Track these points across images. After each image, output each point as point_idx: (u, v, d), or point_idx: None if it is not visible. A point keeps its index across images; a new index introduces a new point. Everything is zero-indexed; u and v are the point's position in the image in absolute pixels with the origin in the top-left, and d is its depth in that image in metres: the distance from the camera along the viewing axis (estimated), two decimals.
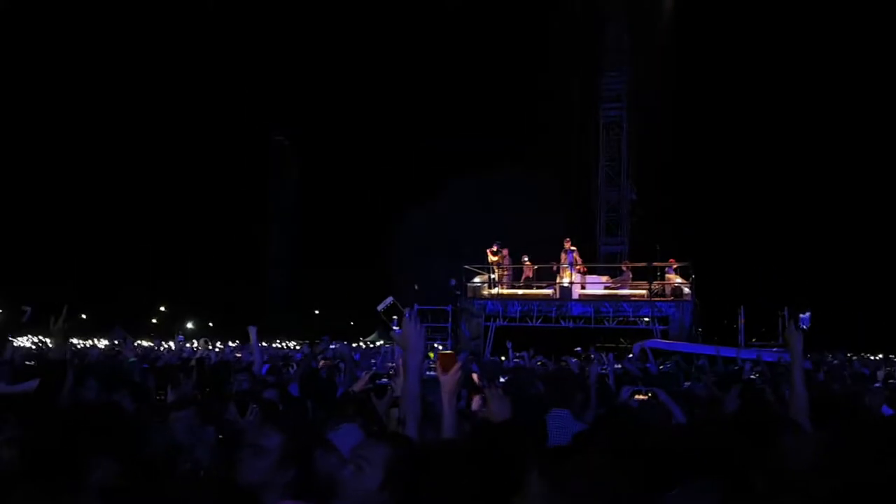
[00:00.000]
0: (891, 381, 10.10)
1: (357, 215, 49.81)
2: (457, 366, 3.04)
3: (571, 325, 21.45)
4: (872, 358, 23.27)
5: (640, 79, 30.93)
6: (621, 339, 23.46)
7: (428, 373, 4.90)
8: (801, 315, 18.12)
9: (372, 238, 44.73)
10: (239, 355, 13.84)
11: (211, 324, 49.86)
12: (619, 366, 10.07)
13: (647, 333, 20.42)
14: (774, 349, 16.58)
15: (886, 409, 6.52)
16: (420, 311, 21.93)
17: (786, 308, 18.17)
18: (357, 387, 5.23)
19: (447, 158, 40.74)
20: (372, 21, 44.25)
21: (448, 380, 2.96)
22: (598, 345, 19.08)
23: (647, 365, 11.20)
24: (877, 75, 37.68)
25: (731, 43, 36.77)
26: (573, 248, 21.97)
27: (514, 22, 36.13)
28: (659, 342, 19.01)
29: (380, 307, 14.16)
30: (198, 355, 10.97)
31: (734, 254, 36.70)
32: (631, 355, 16.36)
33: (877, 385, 7.68)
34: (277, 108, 49.97)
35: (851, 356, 20.04)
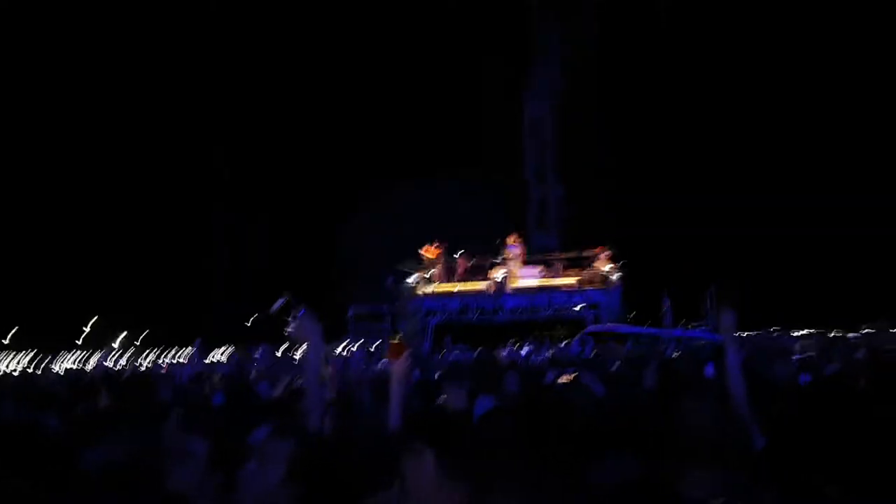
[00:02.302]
0: (808, 354, 10.71)
1: (294, 223, 48.79)
2: (405, 353, 3.12)
3: (508, 317, 21.82)
4: (794, 334, 24.48)
5: (567, 74, 31.59)
6: (557, 328, 23.96)
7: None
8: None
9: (311, 242, 43.95)
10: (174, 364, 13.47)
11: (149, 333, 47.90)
12: (551, 352, 10.34)
13: (579, 321, 20.93)
14: (699, 329, 17.31)
15: (804, 377, 6.96)
16: (357, 314, 21.88)
17: (711, 289, 18.99)
18: (277, 391, 5.22)
19: (380, 160, 40.56)
20: (299, 17, 43.48)
21: (397, 368, 3.04)
22: (535, 333, 19.46)
23: (585, 349, 11.54)
24: (802, 52, 39.50)
25: (655, 35, 37.83)
26: (518, 241, 22.45)
27: (442, 16, 36.21)
28: (603, 326, 19.54)
29: (273, 308, 14.06)
30: (117, 368, 10.62)
31: (661, 240, 37.91)
32: (567, 342, 16.76)
33: (795, 357, 8.11)
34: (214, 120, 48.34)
35: (774, 331, 21.12)
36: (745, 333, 17.31)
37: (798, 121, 40.01)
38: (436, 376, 5.97)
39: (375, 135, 41.68)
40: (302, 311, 3.36)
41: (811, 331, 20.18)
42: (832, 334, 17.77)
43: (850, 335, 15.78)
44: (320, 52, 43.79)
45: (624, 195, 34.28)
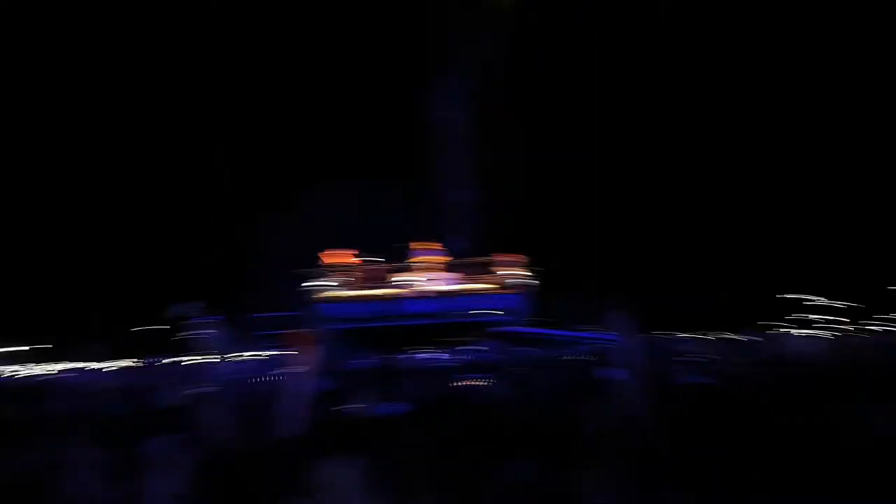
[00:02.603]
0: (696, 356, 11.27)
1: (197, 228, 46.66)
2: (312, 344, 2.99)
3: (415, 322, 21.73)
4: (682, 336, 25.73)
5: (480, 79, 31.89)
6: (465, 333, 24.09)
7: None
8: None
9: (213, 248, 42.13)
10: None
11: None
12: (459, 356, 10.34)
13: (487, 325, 21.12)
14: (598, 332, 17.82)
15: (696, 377, 7.27)
16: (259, 319, 21.16)
17: (613, 292, 19.55)
18: (176, 400, 4.97)
19: (290, 166, 39.52)
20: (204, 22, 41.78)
21: (305, 358, 2.93)
22: (442, 339, 19.49)
23: (493, 352, 11.63)
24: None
25: (565, 39, 38.72)
26: (423, 247, 22.41)
27: (357, 24, 35.79)
28: (511, 328, 19.77)
29: (176, 312, 13.60)
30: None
31: (567, 246, 38.91)
32: (474, 347, 16.86)
33: (682, 359, 8.46)
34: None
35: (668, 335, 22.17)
36: (643, 336, 17.94)
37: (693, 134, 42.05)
38: (338, 384, 5.81)
39: (281, 141, 40.65)
40: (207, 319, 3.18)
41: (705, 334, 21.24)
42: (724, 337, 18.72)
43: (742, 338, 16.76)
44: (232, 54, 42.29)
45: (535, 200, 34.94)
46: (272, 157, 40.56)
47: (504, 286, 22.19)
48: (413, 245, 22.35)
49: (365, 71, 35.07)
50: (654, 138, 42.03)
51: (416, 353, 10.29)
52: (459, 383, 5.02)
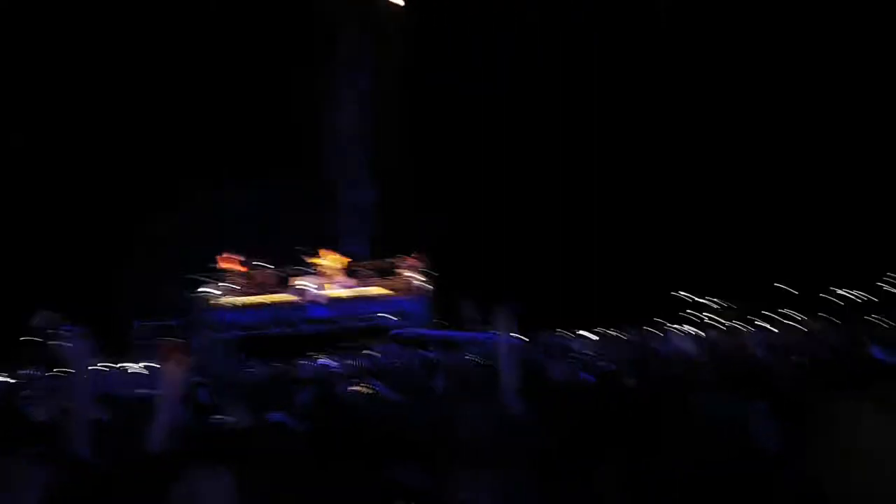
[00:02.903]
0: (588, 353, 11.74)
1: (75, 230, 43.65)
2: (179, 356, 2.84)
3: (313, 328, 21.36)
4: (570, 334, 26.73)
5: (375, 81, 31.88)
6: (363, 339, 23.90)
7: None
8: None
9: (91, 255, 39.56)
10: None
11: None
12: (353, 362, 10.25)
13: (387, 329, 21.07)
14: (489, 333, 18.18)
15: (583, 375, 7.56)
16: (143, 327, 20.15)
17: (505, 293, 20.03)
18: (42, 414, 4.65)
19: (179, 164, 37.85)
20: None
21: (170, 370, 2.78)
22: (339, 345, 19.24)
23: (387, 357, 11.59)
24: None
25: (465, 42, 39.28)
26: (320, 250, 22.07)
27: (255, 24, 34.79)
28: (407, 330, 19.77)
29: (35, 322, 12.86)
30: None
31: (463, 248, 39.52)
32: (369, 352, 16.78)
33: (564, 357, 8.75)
34: None
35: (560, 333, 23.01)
36: (530, 335, 18.55)
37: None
38: (220, 394, 5.61)
39: (173, 138, 38.94)
40: (68, 327, 2.98)
41: (587, 332, 22.14)
42: (610, 334, 19.51)
43: (624, 336, 17.56)
44: (123, 52, 40.00)
45: (432, 202, 35.25)
46: (159, 154, 38.79)
47: (402, 289, 22.21)
48: (309, 248, 21.94)
49: (257, 68, 34.10)
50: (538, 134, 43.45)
51: (309, 361, 10.09)
52: (350, 389, 4.95)
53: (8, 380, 16.80)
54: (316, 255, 21.81)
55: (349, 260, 27.81)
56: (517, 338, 3.86)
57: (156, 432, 2.74)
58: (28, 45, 39.07)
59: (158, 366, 2.87)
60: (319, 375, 5.91)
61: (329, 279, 22.61)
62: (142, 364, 16.70)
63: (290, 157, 31.71)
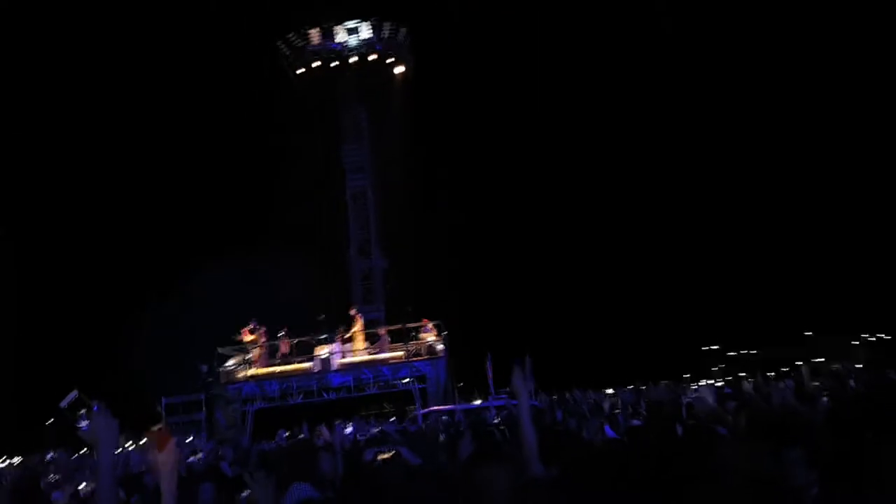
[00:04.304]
0: (616, 410, 11.54)
1: (91, 308, 44.25)
2: (171, 443, 2.85)
3: (334, 396, 21.19)
4: (606, 392, 26.36)
5: (381, 149, 32.59)
6: (384, 404, 23.66)
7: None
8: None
9: (111, 332, 39.90)
10: None
11: None
12: (379, 429, 10.12)
13: (407, 394, 20.83)
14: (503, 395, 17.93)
15: (609, 432, 7.42)
16: (169, 405, 20.10)
17: (527, 354, 19.77)
18: (65, 498, 4.62)
19: (193, 240, 38.56)
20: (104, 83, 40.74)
21: (163, 458, 2.77)
22: (362, 413, 19.04)
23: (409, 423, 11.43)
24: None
25: (464, 107, 40.20)
26: (358, 315, 22.27)
27: (258, 101, 35.96)
28: (432, 409, 19.55)
29: (63, 403, 12.86)
30: None
31: (480, 309, 39.40)
32: (394, 420, 16.56)
33: (597, 417, 8.60)
34: None
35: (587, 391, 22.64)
36: (556, 392, 18.27)
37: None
38: (240, 468, 5.55)
39: (187, 215, 39.74)
40: (95, 407, 2.99)
41: (624, 387, 21.76)
42: (639, 388, 19.15)
43: (654, 389, 17.25)
44: (133, 121, 41.29)
45: (445, 264, 35.39)
46: (173, 230, 39.52)
47: (424, 353, 22.05)
48: (330, 317, 21.99)
49: (271, 142, 34.98)
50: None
51: (332, 429, 9.97)
52: (374, 457, 4.89)
53: (30, 462, 16.70)
54: (354, 319, 21.85)
55: (366, 326, 27.81)
56: (532, 397, 3.82)
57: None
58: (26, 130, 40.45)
59: (150, 455, 2.89)
60: (343, 443, 5.85)
61: (349, 346, 22.54)
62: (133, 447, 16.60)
63: (304, 229, 32.16)
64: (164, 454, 2.77)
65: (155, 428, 2.88)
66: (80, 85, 39.85)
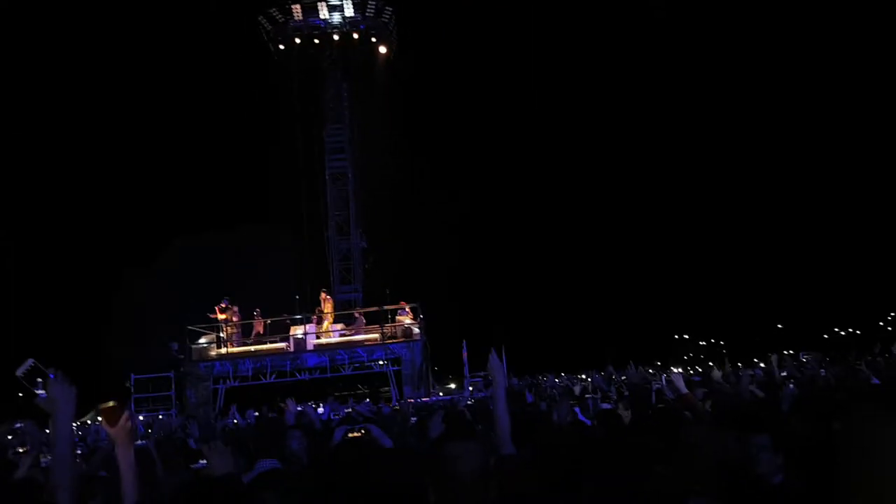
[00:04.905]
0: (587, 395, 11.62)
1: (63, 281, 43.56)
2: (123, 417, 2.77)
3: (308, 376, 21.11)
4: (579, 377, 26.64)
5: (362, 130, 32.29)
6: (359, 386, 23.65)
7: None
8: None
9: (81, 308, 39.31)
10: None
11: None
12: (350, 409, 10.10)
13: (382, 376, 20.82)
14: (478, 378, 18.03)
15: (580, 415, 7.48)
16: (139, 381, 19.89)
17: (501, 340, 19.90)
18: (22, 470, 4.54)
19: (169, 216, 38.10)
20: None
21: (118, 433, 2.71)
22: (336, 394, 19.01)
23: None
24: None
25: (446, 91, 40.14)
26: (328, 297, 22.08)
27: (238, 77, 35.46)
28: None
29: (19, 371, 12.64)
30: None
31: (457, 293, 39.55)
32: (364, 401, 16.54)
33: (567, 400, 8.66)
34: None
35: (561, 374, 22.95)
36: (529, 377, 18.38)
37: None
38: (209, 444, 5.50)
39: (163, 192, 39.23)
40: (52, 375, 2.90)
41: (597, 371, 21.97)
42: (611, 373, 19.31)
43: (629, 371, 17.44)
44: (112, 97, 40.51)
45: (423, 247, 35.40)
46: (150, 205, 39.02)
47: (396, 335, 22.01)
48: (305, 296, 21.85)
49: (251, 122, 34.55)
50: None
51: (294, 407, 9.97)
52: (344, 436, 4.87)
53: None
54: (314, 302, 21.68)
55: (342, 307, 27.70)
56: (505, 382, 3.83)
57: (127, 488, 2.68)
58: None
59: (105, 429, 2.82)
60: (312, 422, 5.81)
61: (324, 326, 22.43)
62: (140, 417, 16.43)
63: (282, 207, 31.89)
64: (116, 429, 2.71)
65: (105, 405, 2.80)
66: (60, 56, 39.02)
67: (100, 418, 2.79)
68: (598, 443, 3.73)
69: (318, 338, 22.02)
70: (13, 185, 39.78)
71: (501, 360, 3.84)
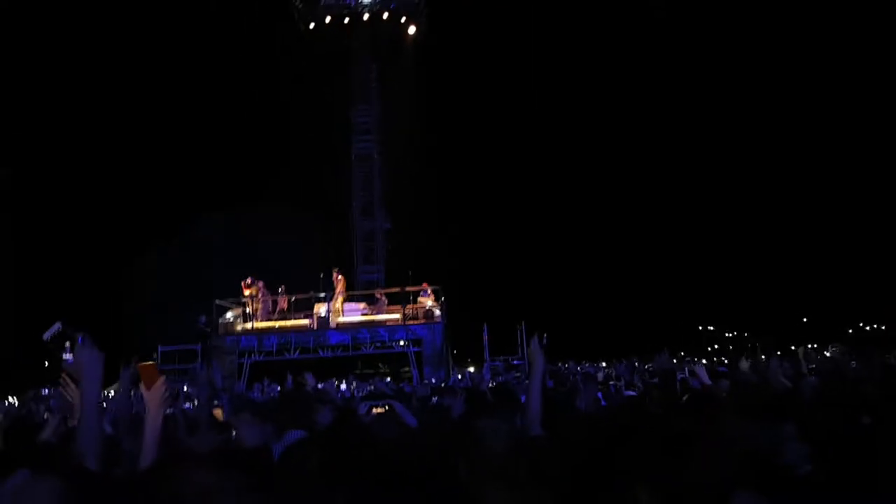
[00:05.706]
0: (610, 381, 11.58)
1: (91, 254, 44.29)
2: (160, 379, 2.77)
3: (330, 354, 21.32)
4: (601, 365, 26.60)
5: (388, 111, 32.23)
6: (379, 364, 23.82)
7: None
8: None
9: (110, 279, 40.02)
10: None
11: None
12: (373, 386, 10.20)
13: (402, 356, 20.94)
14: (514, 361, 18.02)
15: (603, 402, 7.44)
16: (165, 353, 20.24)
17: (523, 324, 19.89)
18: (47, 434, 4.62)
19: (197, 192, 38.46)
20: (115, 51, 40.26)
21: (152, 395, 2.71)
22: (357, 372, 19.18)
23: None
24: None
25: (474, 74, 39.85)
26: (340, 276, 22.14)
27: (265, 57, 35.50)
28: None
29: (46, 335, 12.82)
30: None
31: (479, 275, 39.50)
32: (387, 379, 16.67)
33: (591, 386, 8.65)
34: None
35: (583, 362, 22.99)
36: (554, 364, 18.35)
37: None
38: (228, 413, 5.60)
39: (191, 167, 39.59)
40: (80, 339, 2.89)
41: (617, 361, 21.90)
42: (633, 362, 19.24)
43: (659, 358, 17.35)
44: (140, 78, 40.92)
45: (447, 230, 35.36)
46: (179, 182, 39.45)
47: (418, 316, 22.10)
48: (326, 275, 21.98)
49: (278, 100, 34.62)
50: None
51: (314, 382, 10.09)
52: (368, 411, 4.92)
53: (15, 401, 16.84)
54: (335, 280, 21.81)
55: (366, 287, 27.87)
56: (539, 365, 3.92)
57: (148, 450, 2.67)
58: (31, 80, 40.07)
59: (140, 390, 2.81)
60: (333, 399, 5.87)
61: (347, 305, 22.59)
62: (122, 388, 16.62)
63: (307, 187, 32.02)
64: (151, 391, 2.70)
65: (146, 363, 2.81)
66: (97, 34, 39.41)
67: (139, 382, 2.81)
68: (628, 429, 3.72)
69: (339, 316, 22.20)
70: (52, 151, 40.54)
71: (542, 343, 4.03)
